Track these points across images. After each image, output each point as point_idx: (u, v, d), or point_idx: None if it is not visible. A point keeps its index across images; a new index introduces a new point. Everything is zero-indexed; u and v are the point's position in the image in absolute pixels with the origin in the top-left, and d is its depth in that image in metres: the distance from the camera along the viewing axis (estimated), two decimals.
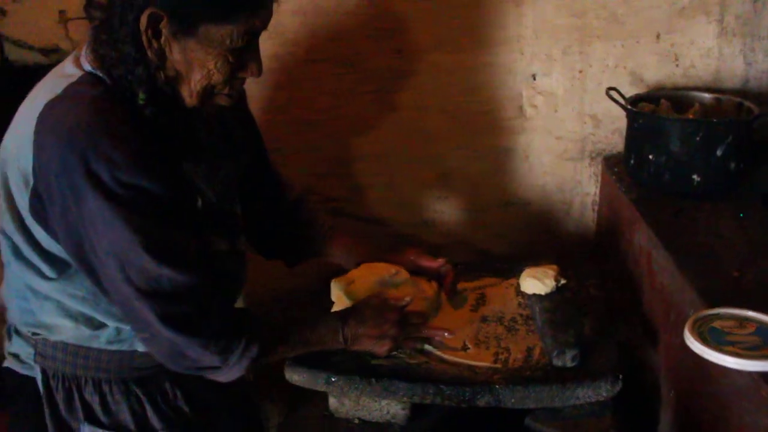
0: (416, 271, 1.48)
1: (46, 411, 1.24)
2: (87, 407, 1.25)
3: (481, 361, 1.30)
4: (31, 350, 1.24)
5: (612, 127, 1.75)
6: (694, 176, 1.48)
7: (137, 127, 1.07)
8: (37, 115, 1.06)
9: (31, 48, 1.78)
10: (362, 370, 1.30)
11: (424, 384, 1.25)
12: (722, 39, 1.70)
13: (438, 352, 1.34)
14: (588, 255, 1.80)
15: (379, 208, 1.92)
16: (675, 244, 1.32)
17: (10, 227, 1.15)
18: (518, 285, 1.50)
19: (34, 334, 1.23)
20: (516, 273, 1.53)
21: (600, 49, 1.69)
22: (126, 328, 1.20)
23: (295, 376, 1.32)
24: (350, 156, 1.89)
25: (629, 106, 1.54)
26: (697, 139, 1.46)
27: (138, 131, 1.07)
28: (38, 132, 1.05)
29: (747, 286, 1.19)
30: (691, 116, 1.56)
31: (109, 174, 1.02)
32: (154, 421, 1.27)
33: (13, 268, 1.19)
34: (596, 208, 1.84)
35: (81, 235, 1.07)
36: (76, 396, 1.24)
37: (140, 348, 1.23)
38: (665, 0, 1.65)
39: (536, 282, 1.44)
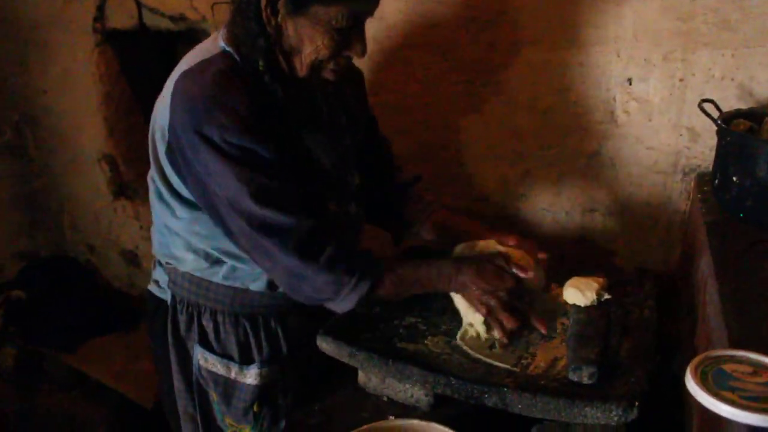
0: None
1: (170, 329, 1.49)
2: (202, 332, 1.47)
3: (502, 362, 1.30)
4: (166, 277, 1.49)
5: (711, 143, 1.58)
6: None
7: (253, 98, 1.23)
8: (175, 81, 1.26)
9: (163, 15, 1.99)
10: (384, 350, 1.34)
11: (436, 374, 1.27)
12: None
13: (464, 347, 1.35)
14: (662, 276, 1.67)
15: (457, 200, 1.93)
16: (733, 278, 1.19)
17: (155, 174, 1.37)
18: None
19: (167, 264, 1.48)
20: None
21: (706, 58, 1.54)
22: (241, 266, 1.40)
23: (324, 344, 1.39)
24: (435, 144, 1.91)
25: (719, 121, 1.41)
26: None
27: (251, 102, 1.22)
28: (173, 96, 1.25)
29: None
30: None
31: (220, 136, 1.20)
32: (255, 353, 1.47)
33: (156, 208, 1.43)
34: (684, 228, 1.70)
35: (204, 181, 1.25)
36: (195, 321, 1.46)
37: (252, 287, 1.43)
38: None
39: (577, 292, 1.39)
